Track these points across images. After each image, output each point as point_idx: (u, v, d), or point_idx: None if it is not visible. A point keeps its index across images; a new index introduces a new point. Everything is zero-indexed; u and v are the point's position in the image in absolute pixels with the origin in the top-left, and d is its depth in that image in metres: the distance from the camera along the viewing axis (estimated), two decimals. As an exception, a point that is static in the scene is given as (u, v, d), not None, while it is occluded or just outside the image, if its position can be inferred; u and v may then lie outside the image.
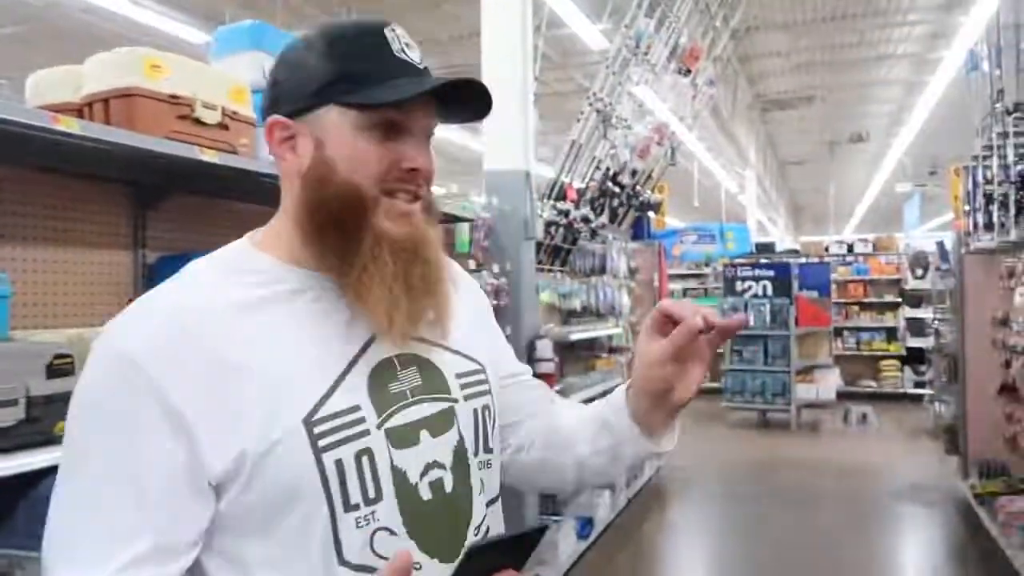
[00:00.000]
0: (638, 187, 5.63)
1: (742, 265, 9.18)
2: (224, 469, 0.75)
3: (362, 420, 0.79)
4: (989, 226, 4.37)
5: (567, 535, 4.17)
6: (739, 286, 8.86)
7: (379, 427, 0.80)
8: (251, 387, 0.76)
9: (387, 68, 0.82)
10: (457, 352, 0.92)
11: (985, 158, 4.48)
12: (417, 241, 0.84)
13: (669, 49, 5.43)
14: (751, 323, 8.79)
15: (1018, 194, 3.74)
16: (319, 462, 0.76)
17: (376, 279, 0.81)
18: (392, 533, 0.80)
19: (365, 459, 0.79)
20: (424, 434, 0.84)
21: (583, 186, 4.98)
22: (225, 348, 0.77)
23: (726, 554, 4.83)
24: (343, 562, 0.77)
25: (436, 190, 0.88)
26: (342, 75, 0.81)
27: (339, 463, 0.77)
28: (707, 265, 11.64)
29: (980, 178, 4.58)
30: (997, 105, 4.26)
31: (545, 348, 3.91)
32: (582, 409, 1.04)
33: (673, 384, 0.88)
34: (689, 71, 5.55)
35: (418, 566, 0.81)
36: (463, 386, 0.90)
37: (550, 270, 4.67)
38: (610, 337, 5.68)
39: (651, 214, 6.31)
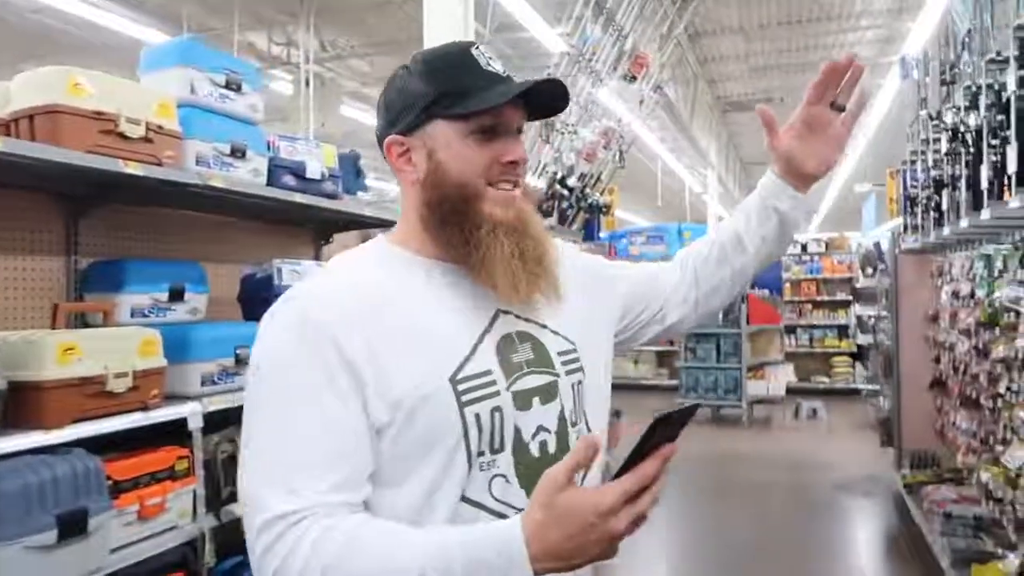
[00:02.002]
0: (587, 189, 5.77)
1: (696, 264, 9.33)
2: (384, 415, 0.89)
3: (494, 383, 0.95)
4: (916, 228, 4.57)
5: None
6: (692, 285, 9.01)
7: (507, 389, 0.95)
8: (404, 346, 0.91)
9: (479, 81, 0.97)
10: (556, 332, 1.05)
11: (913, 162, 4.68)
12: (523, 221, 1.01)
13: (615, 55, 5.56)
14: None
15: (933, 199, 3.93)
16: (462, 415, 0.91)
17: (497, 256, 0.96)
18: (507, 480, 0.94)
19: (496, 415, 0.94)
20: (536, 401, 0.98)
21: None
22: (381, 313, 0.92)
23: (675, 543, 4.98)
24: (464, 498, 0.92)
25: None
26: (443, 93, 0.97)
27: (478, 416, 0.92)
28: (664, 264, 11.78)
29: (908, 181, 4.79)
30: (922, 112, 4.45)
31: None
32: (724, 225, 1.27)
33: (806, 154, 1.17)
34: (635, 77, 5.69)
35: (523, 511, 0.90)
36: (563, 363, 1.04)
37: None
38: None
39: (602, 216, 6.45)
